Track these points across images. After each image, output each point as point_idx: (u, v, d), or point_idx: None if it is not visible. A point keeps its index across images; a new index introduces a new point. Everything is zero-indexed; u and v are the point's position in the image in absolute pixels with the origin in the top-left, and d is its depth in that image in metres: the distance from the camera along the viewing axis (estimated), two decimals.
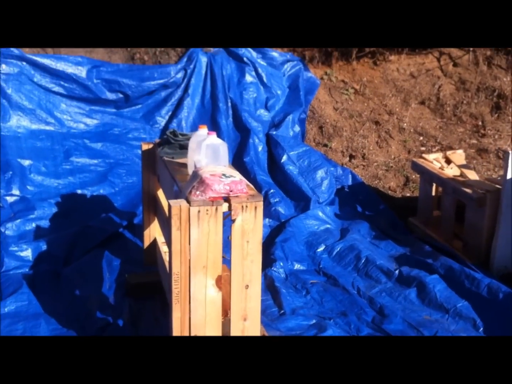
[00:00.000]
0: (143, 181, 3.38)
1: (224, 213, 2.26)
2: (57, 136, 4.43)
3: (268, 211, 4.13)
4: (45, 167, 4.18)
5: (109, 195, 4.16)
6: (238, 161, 4.64)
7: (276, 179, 4.58)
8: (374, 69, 5.96)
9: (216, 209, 2.20)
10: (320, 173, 4.53)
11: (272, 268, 3.45)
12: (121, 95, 4.82)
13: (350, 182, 4.67)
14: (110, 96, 4.78)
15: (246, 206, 2.23)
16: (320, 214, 4.16)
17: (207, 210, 2.19)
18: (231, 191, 2.24)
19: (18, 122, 4.40)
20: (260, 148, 4.78)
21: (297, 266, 3.60)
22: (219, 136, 4.78)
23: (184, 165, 2.70)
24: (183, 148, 2.85)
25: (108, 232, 3.69)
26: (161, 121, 4.93)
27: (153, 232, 3.39)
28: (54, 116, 4.54)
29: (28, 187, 4.04)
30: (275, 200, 4.25)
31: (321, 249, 3.79)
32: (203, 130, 2.65)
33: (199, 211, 2.17)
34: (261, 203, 2.26)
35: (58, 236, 3.58)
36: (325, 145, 5.07)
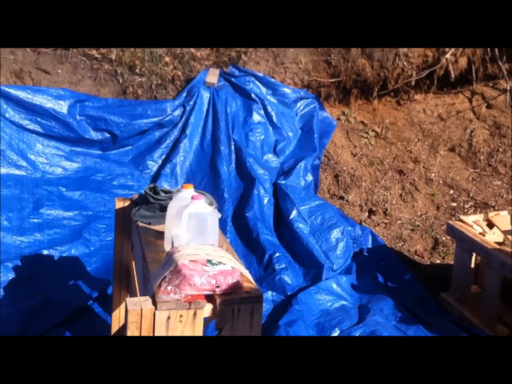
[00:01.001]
0: (115, 248, 2.74)
1: (204, 318, 1.61)
2: (28, 183, 3.79)
3: (272, 281, 3.43)
4: (8, 221, 3.52)
5: (82, 256, 3.48)
6: (239, 215, 3.96)
7: (283, 239, 3.88)
8: (397, 110, 5.31)
9: (195, 313, 1.56)
10: (336, 233, 3.84)
11: None
12: (107, 135, 4.21)
13: (370, 244, 3.95)
14: (95, 135, 4.17)
15: (239, 310, 1.59)
16: (335, 286, 3.46)
17: (180, 315, 1.55)
18: (217, 286, 1.59)
19: None
20: (265, 201, 4.09)
21: None
22: (218, 185, 4.13)
23: (163, 235, 2.04)
24: (165, 210, 2.20)
25: (73, 307, 3.00)
26: (153, 166, 4.29)
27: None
28: (27, 158, 3.93)
29: None
30: (281, 267, 3.54)
31: (335, 335, 3.09)
32: (187, 192, 2.02)
33: (169, 317, 1.54)
34: (261, 304, 1.61)
35: (9, 312, 2.89)
36: (341, 198, 4.39)
